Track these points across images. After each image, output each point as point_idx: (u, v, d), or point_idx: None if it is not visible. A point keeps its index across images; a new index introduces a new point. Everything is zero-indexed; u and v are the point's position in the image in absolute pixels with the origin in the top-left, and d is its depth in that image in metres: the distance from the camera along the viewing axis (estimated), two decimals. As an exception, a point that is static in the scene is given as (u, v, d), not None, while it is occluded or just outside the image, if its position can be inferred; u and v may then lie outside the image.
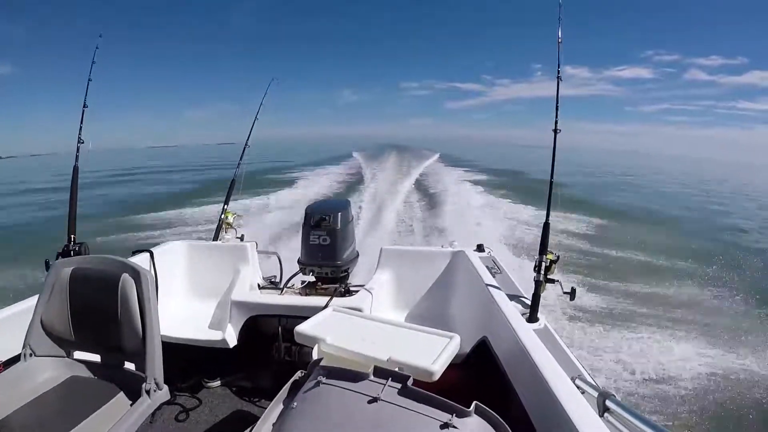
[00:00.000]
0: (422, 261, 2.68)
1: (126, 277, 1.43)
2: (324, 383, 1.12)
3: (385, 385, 1.07)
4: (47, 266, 1.71)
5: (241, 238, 3.06)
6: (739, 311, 6.60)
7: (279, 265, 2.82)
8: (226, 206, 3.24)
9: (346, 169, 23.16)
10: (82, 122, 2.58)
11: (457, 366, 1.44)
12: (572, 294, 2.17)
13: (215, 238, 3.11)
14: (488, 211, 12.53)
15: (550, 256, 2.15)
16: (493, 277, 2.32)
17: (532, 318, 2.10)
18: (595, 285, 7.29)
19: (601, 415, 1.21)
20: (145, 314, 1.43)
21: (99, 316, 1.46)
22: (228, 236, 3.09)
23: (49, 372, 1.52)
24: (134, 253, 2.37)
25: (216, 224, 3.16)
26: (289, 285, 2.59)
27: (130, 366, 1.51)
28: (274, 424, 1.16)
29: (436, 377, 1.27)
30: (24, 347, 1.50)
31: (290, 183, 18.06)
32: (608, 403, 1.23)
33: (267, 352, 2.30)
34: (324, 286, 2.49)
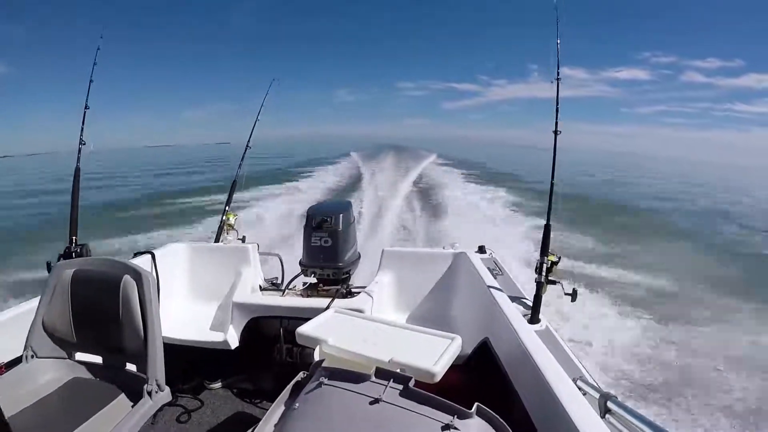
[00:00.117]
0: (424, 262, 2.69)
1: (127, 279, 1.44)
2: (326, 384, 1.13)
3: (386, 386, 1.07)
4: (48, 268, 1.71)
5: (243, 240, 3.06)
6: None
7: (280, 266, 2.83)
8: (227, 208, 3.25)
9: (345, 169, 23.18)
10: (83, 124, 2.58)
11: (458, 367, 1.44)
12: (574, 295, 2.17)
13: (217, 240, 3.11)
14: (489, 212, 12.53)
15: (551, 258, 2.15)
16: (495, 278, 2.32)
17: (533, 319, 2.10)
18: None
19: (603, 417, 1.21)
20: (146, 316, 1.43)
21: (101, 318, 1.47)
22: (229, 238, 3.09)
23: (50, 373, 1.52)
24: (136, 254, 2.37)
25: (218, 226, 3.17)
26: (290, 286, 2.59)
27: (131, 367, 1.51)
28: (275, 426, 1.16)
29: (438, 378, 1.27)
30: (26, 349, 1.51)
31: (291, 183, 18.07)
32: (610, 404, 1.23)
33: (268, 354, 2.30)
34: (325, 288, 2.50)
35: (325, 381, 1.14)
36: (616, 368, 4.63)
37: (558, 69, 2.33)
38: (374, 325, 1.65)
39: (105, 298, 1.44)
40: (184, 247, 2.82)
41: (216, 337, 2.29)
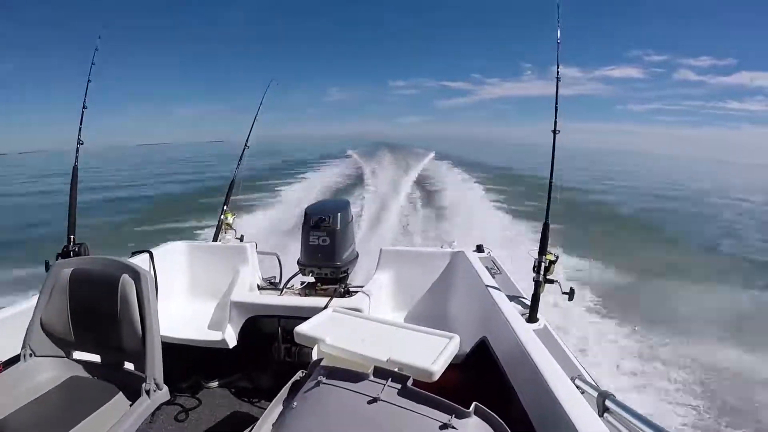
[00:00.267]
0: (422, 261, 2.69)
1: (126, 278, 1.43)
2: (324, 383, 1.13)
3: (384, 385, 1.07)
4: (47, 267, 1.71)
5: (241, 239, 3.06)
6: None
7: (279, 265, 2.82)
8: (225, 207, 3.24)
9: (343, 168, 23.16)
10: (81, 123, 2.57)
11: (456, 366, 1.44)
12: (571, 294, 2.18)
13: (215, 239, 3.11)
14: (487, 210, 12.54)
15: (549, 257, 2.15)
16: (493, 277, 2.32)
17: (531, 318, 2.11)
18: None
19: (601, 415, 1.21)
20: (144, 315, 1.43)
21: (99, 317, 1.47)
22: (228, 237, 3.09)
23: (48, 372, 1.52)
24: (134, 253, 2.37)
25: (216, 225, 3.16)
26: (288, 286, 2.59)
27: (129, 366, 1.51)
28: (274, 425, 1.16)
29: (436, 377, 1.27)
30: (24, 347, 1.51)
31: (289, 183, 18.06)
32: (608, 403, 1.23)
33: (266, 353, 2.30)
34: (324, 287, 2.50)
35: (324, 380, 1.14)
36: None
37: (558, 69, 2.32)
38: (372, 324, 1.65)
39: (103, 297, 1.44)
40: (182, 246, 2.81)
41: (214, 336, 2.29)
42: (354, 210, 2.91)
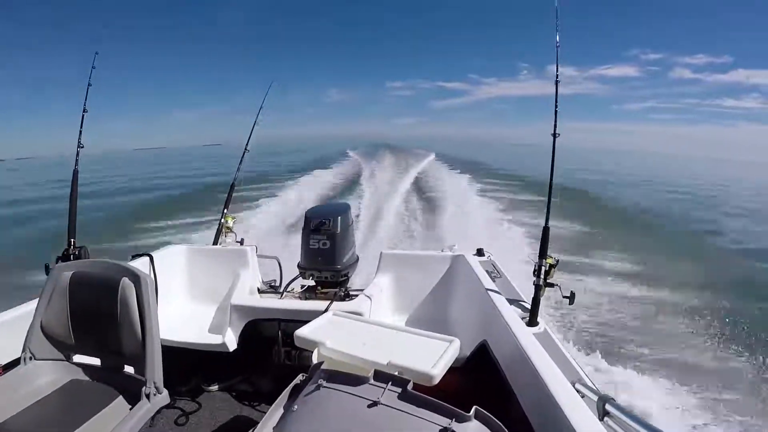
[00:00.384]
0: (422, 265, 2.69)
1: (126, 281, 1.44)
2: (324, 387, 1.13)
3: (385, 389, 1.07)
4: (47, 270, 1.71)
5: (241, 242, 3.06)
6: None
7: (279, 269, 2.82)
8: (225, 210, 3.24)
9: (343, 169, 23.15)
10: (81, 127, 2.57)
11: (456, 370, 1.44)
12: (572, 298, 2.17)
13: (215, 242, 3.11)
14: (487, 212, 12.53)
15: (549, 261, 2.15)
16: (493, 281, 2.32)
17: (531, 322, 2.10)
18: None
19: (601, 419, 1.21)
20: (144, 318, 1.43)
21: (99, 320, 1.47)
22: (228, 240, 3.09)
23: (48, 375, 1.52)
24: (134, 257, 2.37)
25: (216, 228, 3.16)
26: (288, 289, 2.59)
27: (129, 370, 1.51)
28: (274, 428, 1.16)
29: (436, 381, 1.27)
30: (24, 351, 1.51)
31: (288, 185, 18.04)
32: (608, 407, 1.23)
33: (267, 356, 2.30)
34: (324, 291, 2.50)
35: (324, 383, 1.14)
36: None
37: (558, 71, 2.31)
38: (373, 327, 1.65)
39: (103, 301, 1.44)
40: (182, 250, 2.82)
41: (214, 339, 2.29)
42: (353, 212, 2.91)
